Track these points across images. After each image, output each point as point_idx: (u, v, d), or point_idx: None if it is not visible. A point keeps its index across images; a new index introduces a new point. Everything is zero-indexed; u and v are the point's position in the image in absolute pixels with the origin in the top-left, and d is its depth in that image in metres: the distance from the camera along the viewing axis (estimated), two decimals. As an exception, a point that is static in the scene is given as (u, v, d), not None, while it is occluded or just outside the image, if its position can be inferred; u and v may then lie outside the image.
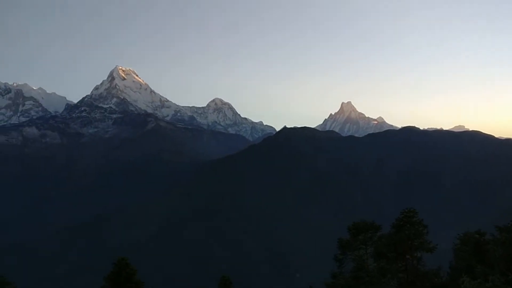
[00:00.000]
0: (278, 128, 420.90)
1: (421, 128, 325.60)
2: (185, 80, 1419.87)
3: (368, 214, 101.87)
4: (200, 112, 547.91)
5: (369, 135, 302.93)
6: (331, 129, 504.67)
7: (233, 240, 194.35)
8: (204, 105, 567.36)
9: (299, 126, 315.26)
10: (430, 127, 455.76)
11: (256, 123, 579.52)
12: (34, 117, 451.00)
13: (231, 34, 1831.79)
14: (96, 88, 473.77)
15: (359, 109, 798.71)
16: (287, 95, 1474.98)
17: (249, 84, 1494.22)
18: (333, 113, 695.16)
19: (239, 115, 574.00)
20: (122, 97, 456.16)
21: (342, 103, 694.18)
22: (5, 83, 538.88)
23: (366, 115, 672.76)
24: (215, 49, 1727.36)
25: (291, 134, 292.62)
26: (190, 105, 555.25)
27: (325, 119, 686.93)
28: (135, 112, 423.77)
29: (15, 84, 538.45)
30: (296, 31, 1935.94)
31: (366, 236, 36.00)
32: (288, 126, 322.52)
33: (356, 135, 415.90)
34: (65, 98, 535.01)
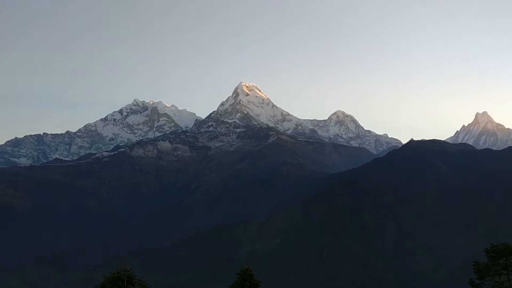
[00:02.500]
0: (404, 141, 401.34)
1: None
2: (306, 93, 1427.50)
3: (508, 237, 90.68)
4: (321, 125, 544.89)
5: (510, 148, 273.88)
6: (463, 141, 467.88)
7: (356, 256, 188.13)
8: (326, 118, 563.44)
9: (427, 138, 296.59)
10: None
11: (380, 135, 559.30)
12: (167, 132, 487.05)
13: (355, 46, 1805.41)
14: (222, 104, 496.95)
15: (497, 119, 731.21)
16: (414, 107, 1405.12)
17: (373, 95, 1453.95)
18: (466, 125, 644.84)
19: (362, 127, 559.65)
20: (245, 112, 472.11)
21: (477, 114, 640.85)
22: (143, 101, 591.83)
23: (506, 126, 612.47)
24: (337, 62, 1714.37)
25: (418, 147, 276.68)
26: (311, 118, 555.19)
27: (457, 131, 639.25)
28: (258, 126, 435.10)
29: (151, 102, 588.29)
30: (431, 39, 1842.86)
31: (509, 261, 32.17)
32: (415, 138, 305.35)
33: (494, 148, 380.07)
34: (195, 114, 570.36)
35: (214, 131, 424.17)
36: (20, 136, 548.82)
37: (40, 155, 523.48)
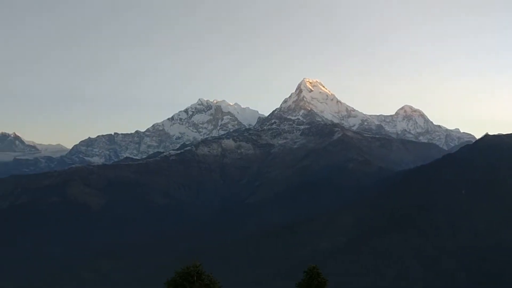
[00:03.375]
0: (478, 136, 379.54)
1: None
2: (372, 88, 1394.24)
3: None
4: (388, 120, 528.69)
5: None
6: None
7: (427, 255, 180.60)
8: (393, 113, 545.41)
9: (504, 133, 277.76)
10: None
11: (451, 130, 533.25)
12: (231, 130, 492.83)
13: (421, 39, 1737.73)
14: (285, 101, 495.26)
15: None
16: (488, 99, 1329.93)
17: (441, 88, 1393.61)
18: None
19: (431, 122, 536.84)
20: (309, 109, 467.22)
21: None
22: (207, 100, 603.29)
23: None
24: (402, 55, 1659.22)
25: (494, 142, 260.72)
26: (378, 114, 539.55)
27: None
28: (322, 122, 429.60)
29: (215, 101, 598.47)
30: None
31: None
32: (490, 133, 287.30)
33: None
34: (257, 111, 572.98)
35: (277, 129, 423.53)
36: (93, 136, 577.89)
37: (111, 154, 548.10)
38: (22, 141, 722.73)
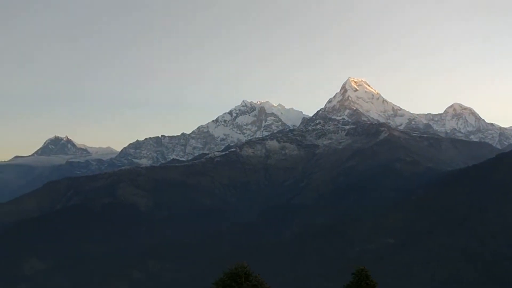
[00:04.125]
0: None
1: None
2: (419, 87, 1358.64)
3: None
4: (436, 119, 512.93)
5: None
6: None
7: (480, 259, 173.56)
8: (441, 111, 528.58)
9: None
10: None
11: (505, 128, 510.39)
12: (275, 131, 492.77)
13: (470, 33, 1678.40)
14: (329, 101, 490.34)
15: None
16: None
17: (494, 84, 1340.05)
18: None
19: (483, 120, 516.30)
20: (354, 108, 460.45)
21: None
22: (251, 101, 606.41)
23: None
24: (450, 50, 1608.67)
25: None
26: (425, 112, 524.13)
27: None
28: (368, 122, 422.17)
29: (258, 102, 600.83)
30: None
31: None
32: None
33: None
34: (302, 112, 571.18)
35: (322, 129, 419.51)
36: (141, 139, 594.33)
37: (159, 156, 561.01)
38: (74, 144, 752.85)
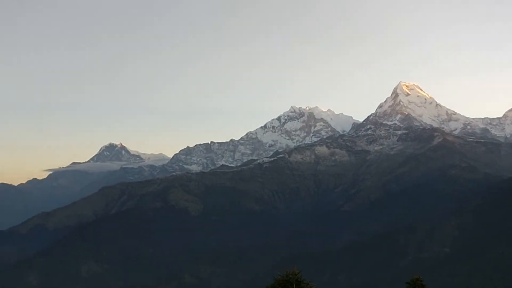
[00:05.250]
0: None
1: None
2: (475, 90, 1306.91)
3: None
4: (495, 123, 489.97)
5: None
6: None
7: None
8: (500, 115, 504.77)
9: None
10: None
11: None
12: (324, 137, 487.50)
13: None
14: (380, 106, 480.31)
15: None
16: None
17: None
18: None
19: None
20: (406, 113, 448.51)
21: None
22: (299, 107, 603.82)
23: None
24: (509, 52, 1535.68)
25: None
26: (482, 117, 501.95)
27: None
28: (420, 127, 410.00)
29: (307, 107, 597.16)
30: None
31: None
32: None
33: None
34: (352, 117, 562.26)
35: (373, 134, 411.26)
36: (191, 145, 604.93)
37: (208, 162, 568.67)
38: (127, 151, 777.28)
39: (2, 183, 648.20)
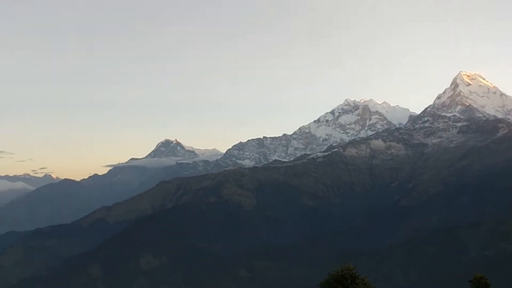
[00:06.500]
0: None
1: None
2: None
3: None
4: None
5: None
6: None
7: None
8: None
9: None
10: None
11: None
12: (380, 130, 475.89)
13: None
14: (439, 97, 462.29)
15: None
16: None
17: None
18: None
19: None
20: (467, 104, 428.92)
21: None
22: (354, 100, 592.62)
23: None
24: None
25: None
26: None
27: None
28: (483, 118, 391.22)
29: (362, 100, 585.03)
30: None
31: None
32: None
33: None
34: (408, 109, 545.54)
35: (431, 127, 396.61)
36: (244, 140, 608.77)
37: (261, 157, 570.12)
38: (182, 147, 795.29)
39: (66, 179, 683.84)
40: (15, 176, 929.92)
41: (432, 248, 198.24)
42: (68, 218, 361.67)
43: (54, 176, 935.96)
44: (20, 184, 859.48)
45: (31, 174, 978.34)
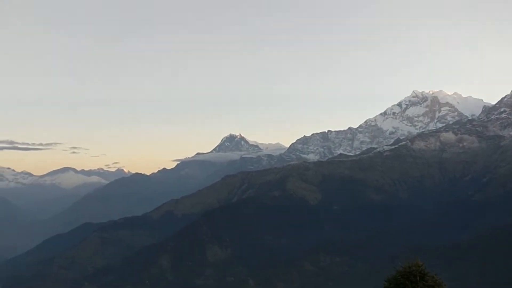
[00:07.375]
0: None
1: None
2: None
3: None
4: None
5: None
6: None
7: None
8: None
9: None
10: None
11: None
12: (450, 122, 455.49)
13: None
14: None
15: None
16: None
17: None
18: None
19: None
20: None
21: None
22: (422, 92, 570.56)
23: None
24: None
25: None
26: None
27: None
28: None
29: (431, 91, 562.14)
30: None
31: None
32: None
33: None
34: (482, 100, 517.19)
35: (508, 118, 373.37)
36: (308, 134, 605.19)
37: (325, 151, 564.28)
38: (246, 141, 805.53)
39: (137, 173, 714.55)
40: (90, 170, 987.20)
41: (508, 247, 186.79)
42: (139, 210, 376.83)
43: (126, 170, 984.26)
44: (94, 178, 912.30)
45: (105, 168, 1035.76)
